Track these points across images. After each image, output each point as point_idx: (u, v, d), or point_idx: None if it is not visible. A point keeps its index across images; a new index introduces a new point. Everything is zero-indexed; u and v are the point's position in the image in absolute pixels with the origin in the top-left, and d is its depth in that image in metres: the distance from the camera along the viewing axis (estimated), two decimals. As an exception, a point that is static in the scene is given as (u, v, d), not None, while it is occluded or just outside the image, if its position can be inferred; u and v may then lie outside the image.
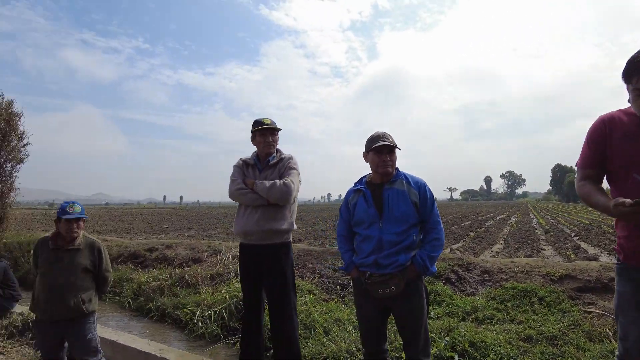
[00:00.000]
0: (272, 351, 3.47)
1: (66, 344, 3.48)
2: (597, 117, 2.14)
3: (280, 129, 3.38)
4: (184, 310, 5.41)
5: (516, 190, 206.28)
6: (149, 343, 4.12)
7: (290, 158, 3.38)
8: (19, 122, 10.69)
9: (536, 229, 17.04)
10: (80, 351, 3.37)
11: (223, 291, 5.58)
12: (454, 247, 10.63)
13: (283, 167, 3.31)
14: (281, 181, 3.16)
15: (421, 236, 2.73)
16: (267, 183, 3.15)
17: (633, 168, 1.92)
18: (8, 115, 10.44)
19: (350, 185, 2.91)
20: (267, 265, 3.19)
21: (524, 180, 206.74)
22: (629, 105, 2.01)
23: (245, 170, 3.38)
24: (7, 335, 4.99)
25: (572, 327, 4.03)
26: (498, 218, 26.79)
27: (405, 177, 2.75)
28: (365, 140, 2.80)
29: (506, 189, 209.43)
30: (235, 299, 5.27)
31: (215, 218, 34.35)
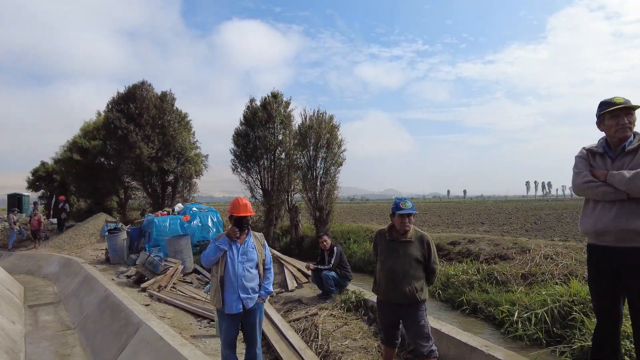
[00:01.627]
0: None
1: (401, 326, 3.87)
2: None
3: (638, 107, 2.79)
4: (499, 308, 5.26)
5: None
6: (472, 337, 4.15)
7: None
8: (337, 133, 12.94)
9: None
10: (414, 335, 3.67)
11: (543, 293, 5.13)
12: None
13: None
14: None
15: None
16: (627, 173, 2.64)
17: None
18: (331, 128, 12.78)
19: None
20: (629, 273, 2.67)
21: None
22: None
23: (591, 161, 2.95)
24: (346, 309, 5.97)
25: None
26: None
27: None
28: None
29: None
30: (558, 304, 4.78)
31: (506, 213, 32.54)
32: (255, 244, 3.83)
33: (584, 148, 3.04)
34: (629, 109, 2.78)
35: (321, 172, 13.01)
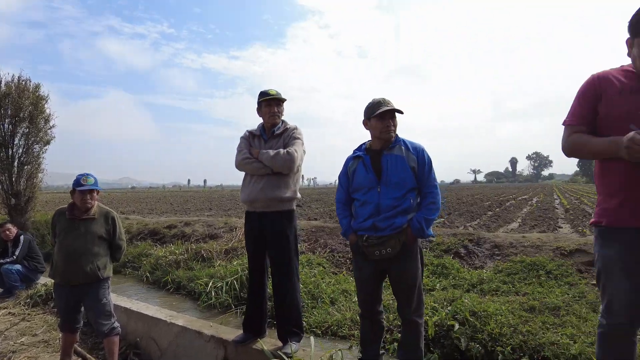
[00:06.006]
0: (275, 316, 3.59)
1: (82, 308, 3.68)
2: (590, 76, 2.13)
3: (285, 100, 3.43)
4: (198, 282, 5.60)
5: (542, 172, 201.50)
6: (160, 310, 4.32)
7: (295, 128, 3.44)
8: (45, 105, 11.06)
9: (557, 208, 16.71)
10: (95, 314, 3.56)
11: (235, 263, 5.75)
12: (470, 224, 10.58)
13: (288, 136, 3.38)
14: (285, 150, 3.24)
15: (418, 200, 2.77)
16: (272, 152, 3.23)
17: (629, 120, 1.90)
18: (35, 99, 10.80)
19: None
20: (271, 231, 3.30)
21: (550, 161, 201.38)
22: (629, 62, 2.00)
23: (251, 141, 3.46)
24: (32, 304, 5.29)
25: (577, 298, 4.02)
26: (520, 198, 26.37)
27: (404, 142, 2.77)
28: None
29: (532, 171, 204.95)
30: (246, 271, 5.42)
31: (237, 199, 34.83)
32: None
33: (247, 130, 3.56)
34: (278, 101, 3.40)
35: (21, 150, 10.88)
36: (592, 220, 2.17)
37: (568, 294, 4.13)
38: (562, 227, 9.90)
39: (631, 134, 1.78)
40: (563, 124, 2.18)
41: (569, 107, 2.17)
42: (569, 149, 2.12)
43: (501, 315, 3.62)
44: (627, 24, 1.93)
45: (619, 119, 1.93)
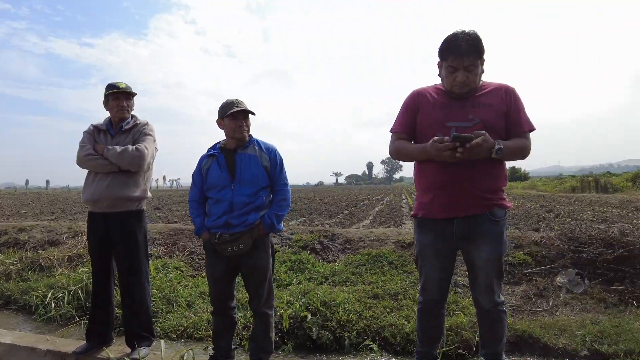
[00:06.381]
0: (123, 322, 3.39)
1: None
2: (412, 91, 2.51)
3: (135, 94, 3.27)
4: (34, 293, 4.98)
5: (394, 175, 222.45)
6: (-18, 329, 3.74)
7: (146, 124, 3.30)
8: None
9: (403, 207, 18.65)
10: None
11: (80, 271, 5.26)
12: (327, 222, 11.23)
13: (138, 132, 3.23)
14: (134, 147, 3.09)
15: (270, 197, 2.92)
16: (118, 148, 3.05)
17: (438, 129, 2.29)
18: None
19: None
20: (118, 232, 3.11)
21: (401, 166, 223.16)
22: (439, 81, 2.41)
23: (96, 136, 3.23)
24: None
25: (413, 284, 4.59)
26: (373, 199, 28.74)
27: (258, 143, 2.91)
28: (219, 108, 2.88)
29: (385, 174, 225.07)
30: (92, 279, 4.99)
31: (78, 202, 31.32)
32: None
33: (91, 124, 3.31)
34: (128, 94, 3.23)
35: None
36: (412, 212, 2.57)
37: (406, 281, 4.70)
38: (405, 223, 11.10)
39: (431, 140, 2.18)
40: (390, 131, 2.54)
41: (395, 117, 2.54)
42: (393, 153, 2.49)
43: (349, 304, 3.98)
44: (437, 50, 2.33)
45: (430, 128, 2.33)
